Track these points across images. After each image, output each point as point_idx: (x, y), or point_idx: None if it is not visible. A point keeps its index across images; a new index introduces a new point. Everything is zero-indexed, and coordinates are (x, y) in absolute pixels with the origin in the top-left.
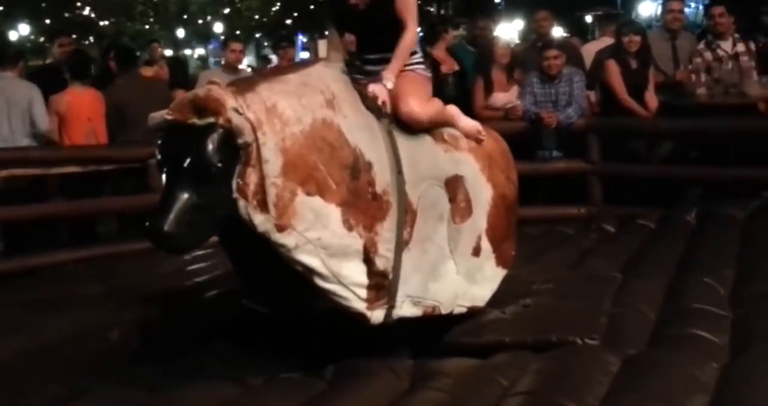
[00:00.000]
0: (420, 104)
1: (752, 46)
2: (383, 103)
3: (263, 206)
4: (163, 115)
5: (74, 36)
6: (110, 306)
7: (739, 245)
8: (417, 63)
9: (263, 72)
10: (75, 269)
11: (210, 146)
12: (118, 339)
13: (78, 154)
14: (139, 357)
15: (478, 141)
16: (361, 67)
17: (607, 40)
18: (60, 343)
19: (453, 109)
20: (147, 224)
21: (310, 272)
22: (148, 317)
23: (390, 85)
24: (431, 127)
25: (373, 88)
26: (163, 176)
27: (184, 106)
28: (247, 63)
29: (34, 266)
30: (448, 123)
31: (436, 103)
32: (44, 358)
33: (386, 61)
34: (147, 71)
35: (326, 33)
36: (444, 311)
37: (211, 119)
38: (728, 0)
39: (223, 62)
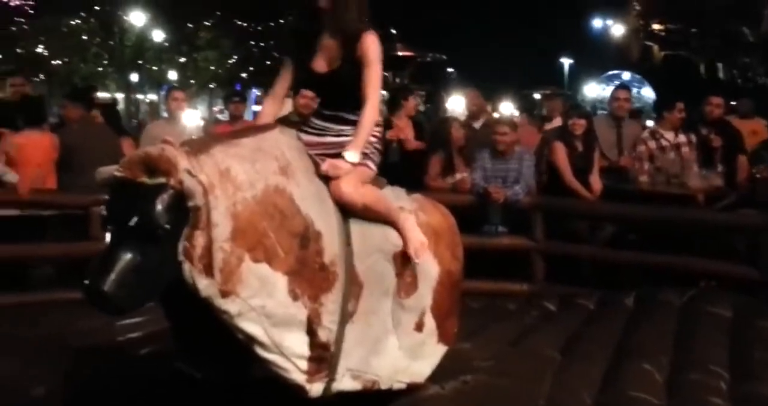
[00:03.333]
0: (354, 185)
1: (693, 138)
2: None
3: (209, 271)
4: (111, 171)
5: (24, 72)
6: (33, 358)
7: (676, 332)
8: (370, 153)
9: (218, 132)
10: (3, 315)
11: (159, 207)
12: (42, 396)
13: (20, 198)
14: None
15: (416, 256)
16: (313, 122)
17: (559, 121)
18: None
19: (407, 217)
20: (86, 281)
21: (251, 340)
22: (73, 372)
23: (354, 159)
24: (368, 214)
25: (331, 163)
26: (107, 234)
27: (135, 163)
28: (200, 115)
29: None
30: (389, 218)
31: (372, 190)
32: None
33: (339, 120)
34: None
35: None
36: (384, 386)
37: (162, 180)
38: (672, 90)
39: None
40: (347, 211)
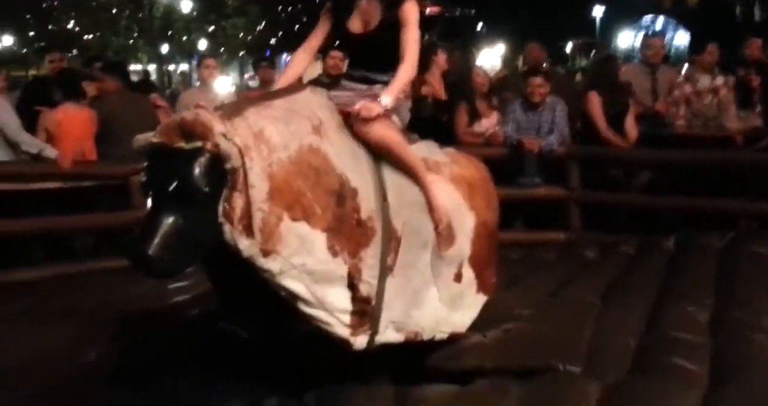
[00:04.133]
0: (385, 128)
1: (731, 80)
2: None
3: (249, 231)
4: (148, 137)
5: (57, 48)
6: (85, 325)
7: (717, 274)
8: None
9: (250, 96)
10: (50, 285)
11: (197, 171)
12: (93, 360)
13: (59, 170)
14: (113, 380)
15: (439, 223)
16: (343, 83)
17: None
18: (31, 362)
19: (434, 181)
20: (129, 246)
21: (294, 297)
22: (124, 337)
23: (388, 102)
24: (393, 159)
25: (364, 104)
26: (148, 199)
27: (171, 129)
28: (231, 82)
29: (8, 282)
30: (415, 172)
31: (396, 135)
32: (15, 377)
33: (367, 80)
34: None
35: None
36: (426, 336)
37: (199, 144)
38: (708, 33)
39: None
40: (381, 165)
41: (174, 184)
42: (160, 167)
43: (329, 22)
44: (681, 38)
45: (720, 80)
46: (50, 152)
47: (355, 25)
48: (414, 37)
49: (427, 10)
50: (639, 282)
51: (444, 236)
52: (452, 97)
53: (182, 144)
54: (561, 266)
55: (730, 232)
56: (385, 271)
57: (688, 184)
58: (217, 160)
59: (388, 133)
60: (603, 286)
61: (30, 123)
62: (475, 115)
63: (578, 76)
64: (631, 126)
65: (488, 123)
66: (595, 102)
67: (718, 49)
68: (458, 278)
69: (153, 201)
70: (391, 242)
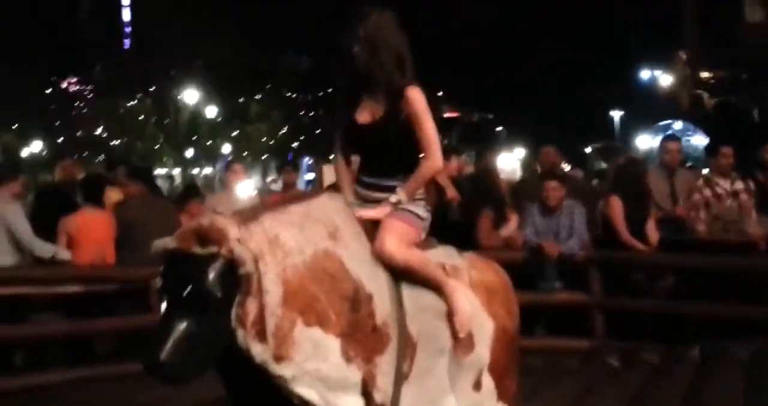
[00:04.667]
0: (397, 244)
1: (751, 184)
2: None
3: (262, 336)
4: (166, 242)
5: (85, 153)
6: None
7: (745, 387)
8: (416, 209)
9: (267, 201)
10: (68, 389)
11: (211, 276)
12: None
13: (80, 274)
14: None
15: (461, 330)
16: (355, 191)
17: None
18: None
19: (455, 287)
20: (143, 351)
21: (306, 404)
22: None
23: (399, 199)
24: (411, 274)
25: (367, 211)
26: (163, 304)
27: (188, 235)
28: (253, 186)
29: (27, 385)
30: (434, 282)
31: (418, 253)
32: None
33: (380, 188)
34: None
35: (331, 157)
36: None
37: (213, 249)
38: (725, 136)
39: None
40: (396, 272)
41: (188, 290)
42: (175, 272)
43: (340, 140)
44: (699, 141)
45: (739, 185)
46: (64, 255)
47: (362, 116)
48: (429, 125)
49: (445, 114)
50: (664, 393)
51: (463, 342)
52: (477, 201)
53: (197, 249)
54: (584, 374)
55: (755, 340)
56: (400, 378)
57: (711, 291)
58: (232, 265)
59: (410, 256)
60: (627, 396)
61: (41, 228)
62: (501, 220)
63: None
64: (652, 230)
65: (508, 227)
66: (616, 206)
67: (733, 152)
68: (477, 386)
69: (167, 306)
70: (407, 348)
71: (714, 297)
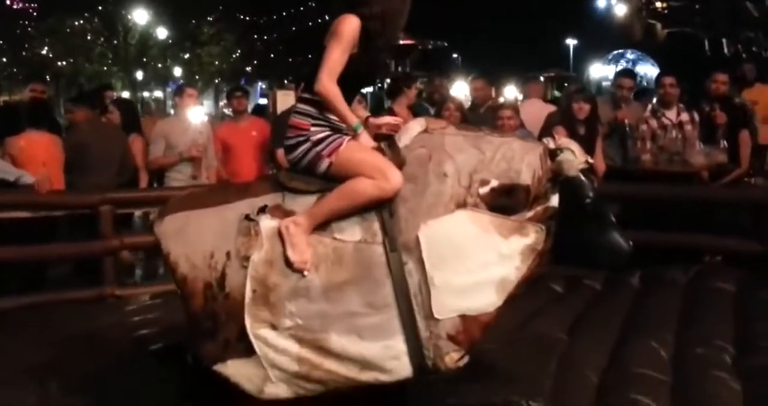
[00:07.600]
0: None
1: (696, 115)
2: None
3: None
4: None
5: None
6: (50, 356)
7: (681, 309)
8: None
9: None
10: (20, 315)
11: None
12: (55, 390)
13: (29, 200)
14: None
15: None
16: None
17: (536, 102)
18: None
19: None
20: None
21: None
22: (89, 368)
23: None
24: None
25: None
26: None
27: None
28: (205, 111)
29: None
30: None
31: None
32: None
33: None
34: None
35: (285, 82)
36: None
37: None
38: (676, 67)
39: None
40: None
41: None
42: None
43: None
44: (650, 70)
45: (685, 116)
46: (27, 179)
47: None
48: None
49: (401, 42)
50: (605, 316)
51: None
52: None
53: None
54: (528, 299)
55: (695, 266)
56: None
57: (654, 219)
58: None
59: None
60: (569, 319)
61: None
62: None
63: None
64: (599, 161)
65: None
66: (563, 135)
67: (677, 83)
68: None
69: None
70: None
71: (657, 226)
